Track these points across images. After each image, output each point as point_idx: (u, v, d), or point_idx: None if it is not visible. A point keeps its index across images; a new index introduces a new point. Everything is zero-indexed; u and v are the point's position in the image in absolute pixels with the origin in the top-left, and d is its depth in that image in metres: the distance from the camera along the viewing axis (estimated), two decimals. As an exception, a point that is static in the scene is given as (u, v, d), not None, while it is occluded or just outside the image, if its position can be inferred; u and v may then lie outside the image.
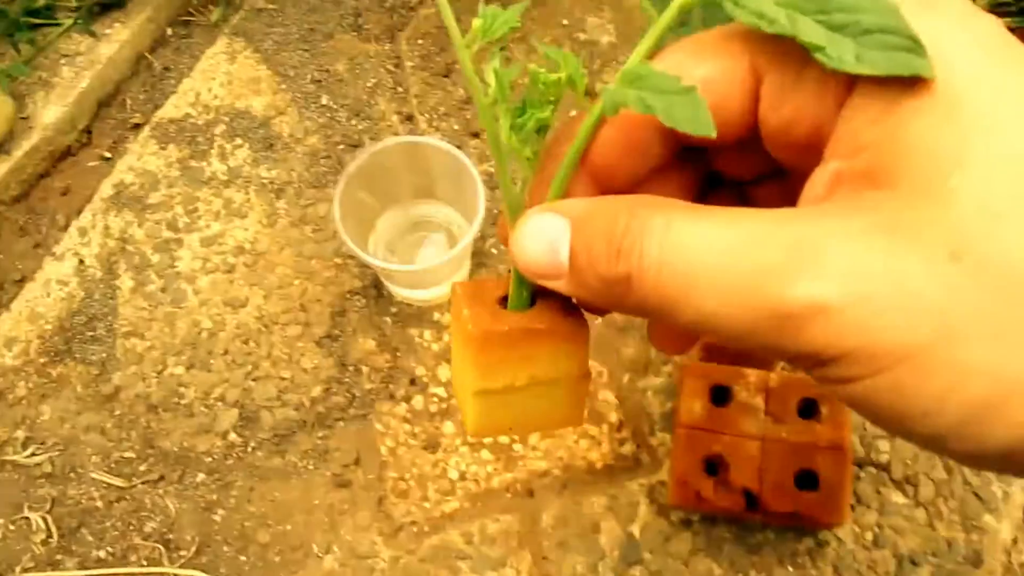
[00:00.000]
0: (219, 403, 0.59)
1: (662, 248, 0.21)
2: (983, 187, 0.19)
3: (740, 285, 0.20)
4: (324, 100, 0.69)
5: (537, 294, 0.28)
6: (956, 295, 0.18)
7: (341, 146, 0.67)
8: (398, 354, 0.61)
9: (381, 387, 0.60)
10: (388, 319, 0.61)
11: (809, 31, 0.21)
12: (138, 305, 0.63)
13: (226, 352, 0.61)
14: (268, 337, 0.61)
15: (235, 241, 0.64)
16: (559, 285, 0.25)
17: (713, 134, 0.21)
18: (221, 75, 0.70)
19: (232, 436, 0.59)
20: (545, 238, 0.25)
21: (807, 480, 0.50)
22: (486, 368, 0.27)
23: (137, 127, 0.70)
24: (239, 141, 0.68)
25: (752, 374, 0.52)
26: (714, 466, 0.51)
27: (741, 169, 0.28)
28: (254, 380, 0.60)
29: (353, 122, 0.68)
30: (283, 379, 0.60)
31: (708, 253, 0.21)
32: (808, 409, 0.51)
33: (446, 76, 0.70)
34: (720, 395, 0.52)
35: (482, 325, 0.28)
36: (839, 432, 0.50)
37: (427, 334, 0.61)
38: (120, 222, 0.65)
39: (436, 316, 0.61)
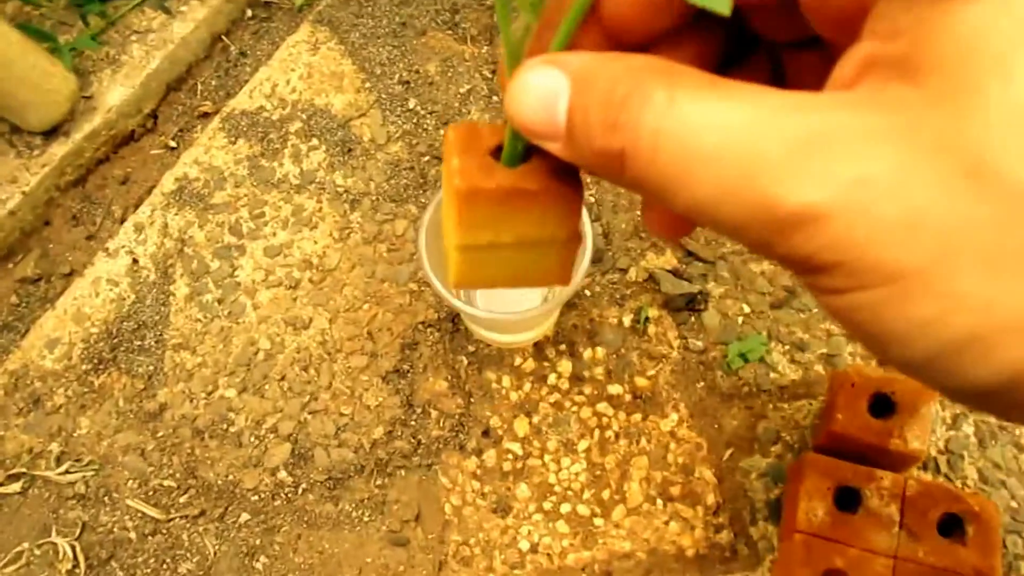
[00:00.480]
0: (271, 435, 0.54)
1: (660, 125, 0.20)
2: (1022, 101, 0.16)
3: (736, 175, 0.19)
4: (411, 104, 0.63)
5: (533, 148, 0.25)
6: (963, 218, 0.17)
7: (426, 157, 0.61)
8: (471, 400, 0.54)
9: (450, 435, 0.53)
10: (464, 358, 0.55)
11: None
12: (192, 315, 0.57)
13: (283, 378, 0.55)
14: (330, 366, 0.55)
15: (302, 254, 0.58)
16: (555, 148, 0.23)
17: (727, 12, 0.19)
18: (301, 66, 0.64)
19: (282, 474, 0.53)
20: (542, 95, 0.23)
21: (945, 612, 0.42)
22: (470, 224, 0.26)
23: (206, 116, 0.64)
24: (315, 142, 0.62)
25: (887, 477, 0.44)
26: (834, 582, 0.44)
27: (777, 31, 0.25)
28: (311, 413, 0.54)
29: (441, 131, 0.62)
30: (343, 415, 0.54)
31: (708, 134, 0.19)
32: (950, 525, 0.44)
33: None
34: (847, 498, 0.45)
35: (470, 180, 0.26)
36: (987, 560, 0.42)
37: (506, 380, 0.54)
38: (180, 221, 0.60)
39: (518, 361, 0.55)
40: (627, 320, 0.56)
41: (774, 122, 0.19)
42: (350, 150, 0.61)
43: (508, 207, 0.27)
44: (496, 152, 0.28)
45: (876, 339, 0.19)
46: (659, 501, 0.51)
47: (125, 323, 0.57)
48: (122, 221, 0.60)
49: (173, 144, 0.63)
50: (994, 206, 0.17)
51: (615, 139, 0.21)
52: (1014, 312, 0.17)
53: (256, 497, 0.52)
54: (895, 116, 0.18)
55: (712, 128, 0.19)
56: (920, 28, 0.18)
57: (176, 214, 0.60)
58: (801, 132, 0.18)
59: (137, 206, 0.61)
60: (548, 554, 0.50)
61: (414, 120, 0.62)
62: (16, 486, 0.53)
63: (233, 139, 0.62)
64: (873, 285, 0.18)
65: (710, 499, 0.51)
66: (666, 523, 0.51)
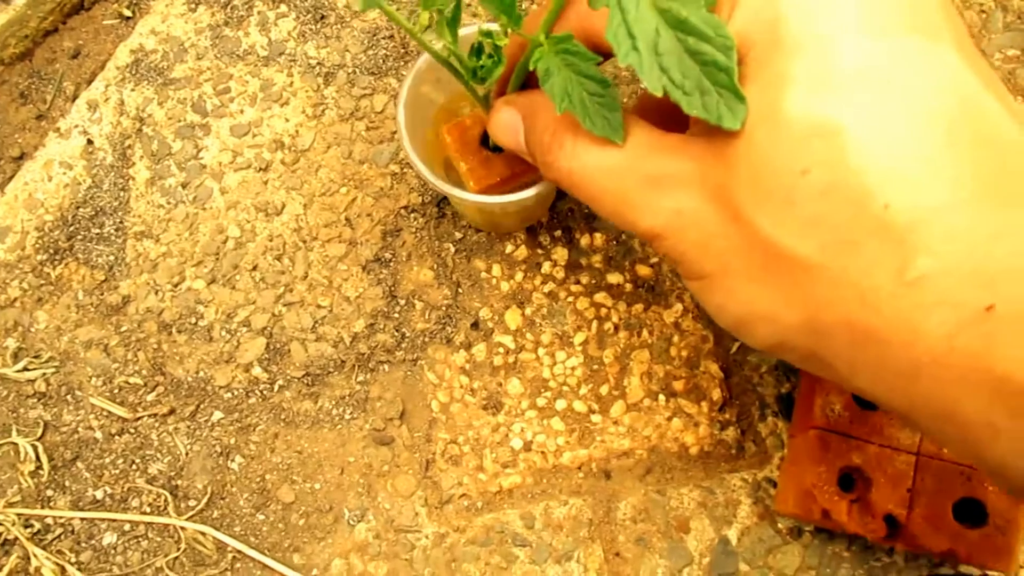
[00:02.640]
0: (243, 329, 0.50)
1: (571, 166, 0.31)
2: (763, 163, 0.25)
3: (616, 205, 0.30)
4: (390, -35, 0.56)
5: None
6: (732, 246, 0.27)
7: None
8: (459, 290, 0.50)
9: (436, 328, 0.49)
10: (450, 246, 0.51)
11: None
12: (154, 201, 0.52)
13: (255, 268, 0.51)
14: (306, 254, 0.51)
15: (273, 133, 0.53)
16: (527, 157, 0.35)
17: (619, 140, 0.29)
18: (267, -77, 0.57)
19: (256, 370, 0.49)
20: (507, 127, 0.35)
21: (970, 511, 0.39)
22: (482, 191, 0.41)
23: (163, -19, 0.57)
24: (284, 8, 0.55)
25: (911, 369, 0.41)
26: (850, 480, 0.41)
27: None
28: (286, 305, 0.50)
29: (423, -4, 0.55)
30: (320, 307, 0.50)
31: (597, 175, 0.30)
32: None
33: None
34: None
35: (479, 180, 0.41)
36: (1018, 455, 0.39)
37: (496, 269, 0.50)
38: (137, 97, 0.54)
39: (509, 248, 0.50)
40: (628, 203, 0.51)
41: (634, 165, 0.29)
42: (323, 17, 0.55)
43: (509, 183, 0.41)
44: (484, 137, 0.42)
45: (710, 313, 0.30)
46: (661, 397, 0.48)
47: (81, 209, 0.52)
48: (74, 98, 0.55)
49: (128, 13, 0.57)
50: (746, 240, 0.26)
51: (550, 173, 0.32)
52: (762, 308, 0.27)
53: (229, 394, 0.49)
54: (697, 164, 0.27)
55: (599, 169, 0.30)
56: None
57: (133, 90, 0.54)
58: (648, 173, 0.28)
59: (90, 81, 0.55)
60: (542, 452, 0.47)
61: (394, -17, 0.56)
62: (-29, 384, 0.49)
63: (193, 6, 0.56)
64: (692, 279, 0.29)
65: (716, 394, 0.47)
66: (668, 419, 0.47)
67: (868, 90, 0.24)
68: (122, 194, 0.52)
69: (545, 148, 0.32)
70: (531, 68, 0.31)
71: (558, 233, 0.50)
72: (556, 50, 0.30)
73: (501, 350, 0.49)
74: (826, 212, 0.24)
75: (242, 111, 0.53)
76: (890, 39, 0.24)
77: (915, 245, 0.23)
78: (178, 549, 0.47)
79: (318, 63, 0.54)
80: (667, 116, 0.30)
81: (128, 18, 0.57)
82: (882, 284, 0.23)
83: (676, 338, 0.48)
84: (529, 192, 0.39)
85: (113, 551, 0.47)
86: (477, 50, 0.35)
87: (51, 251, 0.51)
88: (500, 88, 0.38)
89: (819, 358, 0.26)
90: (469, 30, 0.39)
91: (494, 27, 0.35)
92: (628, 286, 0.49)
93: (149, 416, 0.49)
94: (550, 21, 0.32)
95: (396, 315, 0.50)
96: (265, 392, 0.49)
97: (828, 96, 0.24)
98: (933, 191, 0.23)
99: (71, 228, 0.52)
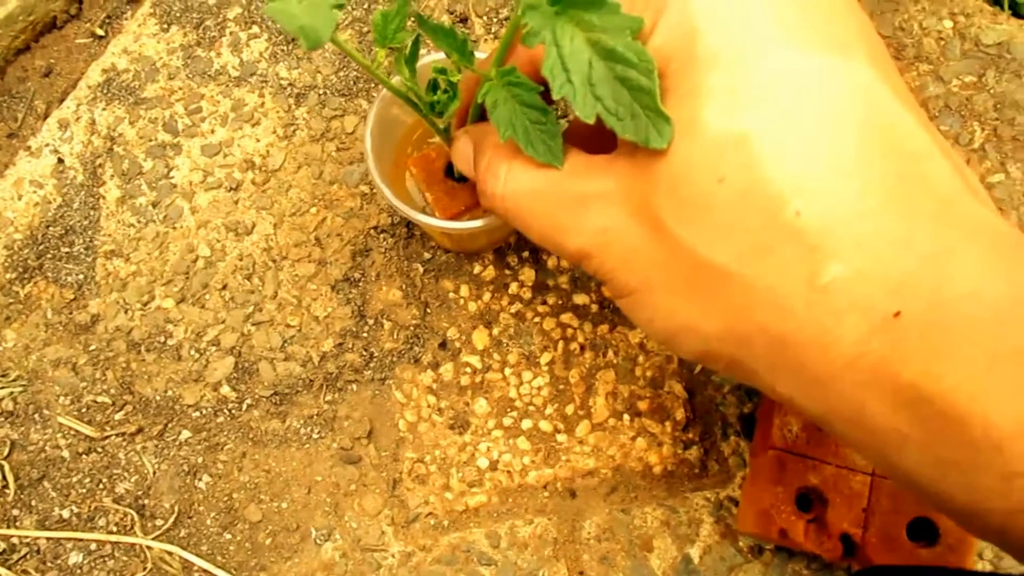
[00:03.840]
0: (212, 348, 0.50)
1: (504, 192, 0.31)
2: (682, 173, 0.26)
3: (545, 228, 0.31)
4: (362, -13, 0.57)
5: None
6: (654, 260, 0.27)
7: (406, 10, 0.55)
8: (427, 310, 0.50)
9: (404, 348, 0.50)
10: (419, 266, 0.51)
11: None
12: (124, 220, 0.52)
13: (224, 287, 0.51)
14: (275, 274, 0.51)
15: (243, 153, 0.53)
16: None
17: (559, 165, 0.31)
18: (240, -55, 0.58)
19: (225, 389, 0.49)
20: (464, 156, 0.36)
21: (923, 530, 0.40)
22: (448, 220, 0.42)
23: (136, 0, 0.58)
24: (256, 30, 0.56)
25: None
26: (807, 500, 0.41)
27: None
28: (255, 325, 0.50)
29: (395, 18, 0.56)
30: (289, 327, 0.50)
31: (525, 199, 0.31)
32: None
33: (512, -30, 0.57)
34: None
35: (445, 209, 0.42)
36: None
37: (464, 289, 0.51)
38: (109, 117, 0.54)
39: (477, 269, 0.51)
40: (595, 225, 0.52)
41: (562, 187, 0.30)
42: (295, 39, 0.55)
43: (474, 211, 0.42)
44: (449, 168, 0.42)
45: (640, 327, 0.31)
46: (626, 416, 0.48)
47: (52, 228, 0.52)
48: (45, 117, 0.55)
49: (100, 32, 0.57)
50: (667, 253, 0.27)
51: (485, 201, 0.33)
52: (685, 319, 0.27)
53: (197, 413, 0.49)
54: (621, 182, 0.28)
55: (528, 194, 0.31)
56: None
57: (104, 109, 0.55)
58: (575, 194, 0.29)
59: (62, 100, 0.55)
60: (508, 471, 0.48)
61: (365, 4, 0.56)
62: (-63, 403, 0.49)
63: (166, 26, 0.56)
64: (620, 296, 0.30)
65: (679, 414, 0.48)
66: (633, 439, 0.48)
67: (781, 101, 0.24)
68: (92, 213, 0.52)
69: (482, 177, 0.33)
70: (480, 100, 0.32)
71: (526, 254, 0.51)
72: (503, 83, 0.32)
73: (468, 370, 0.49)
74: (741, 219, 0.24)
75: (213, 131, 0.54)
76: (803, 52, 0.25)
77: (826, 251, 0.23)
78: (144, 569, 0.47)
79: (289, 84, 0.55)
80: (595, 141, 0.31)
81: (101, 37, 0.57)
82: (795, 290, 0.24)
83: (641, 358, 0.49)
84: (489, 218, 0.40)
85: (79, 571, 0.47)
86: (433, 85, 0.36)
87: (20, 269, 0.52)
88: (460, 119, 0.39)
89: (742, 366, 0.27)
90: (429, 60, 0.40)
91: (449, 62, 0.35)
92: (594, 307, 0.50)
93: (117, 435, 0.49)
94: (500, 55, 0.33)
95: (365, 334, 0.50)
96: (233, 411, 0.49)
97: (742, 107, 0.25)
98: (843, 199, 0.23)
99: (41, 247, 0.52)
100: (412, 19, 0.49)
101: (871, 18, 0.44)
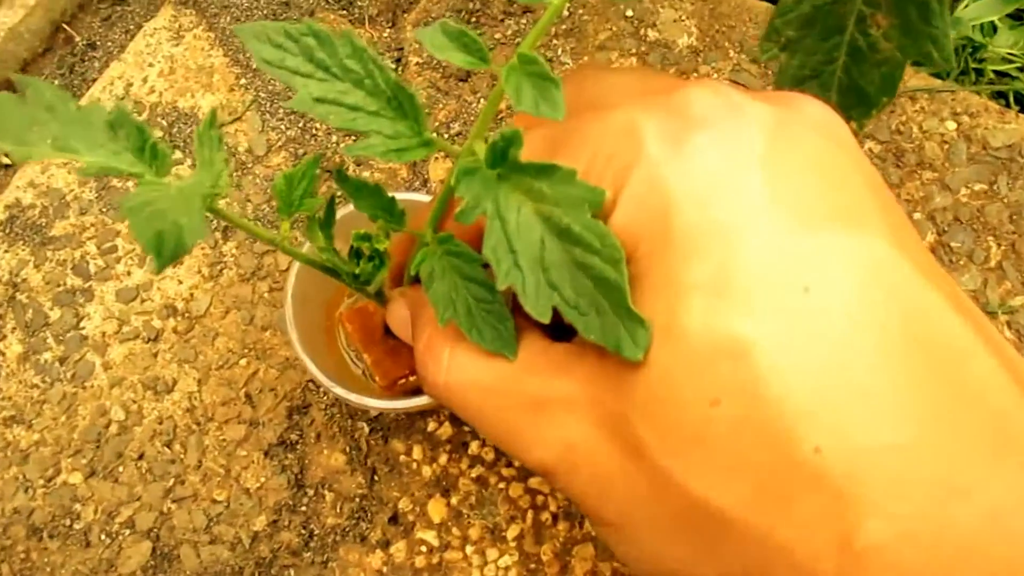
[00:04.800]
0: (126, 531, 0.43)
1: (447, 380, 0.26)
2: (664, 389, 0.20)
3: (499, 433, 0.25)
4: (297, 103, 0.51)
5: None
6: (634, 492, 0.22)
7: (315, 171, 0.49)
8: (375, 477, 0.44)
9: (350, 524, 0.43)
10: (365, 425, 0.44)
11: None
12: (27, 380, 0.46)
13: (141, 457, 0.44)
14: (200, 439, 0.44)
15: (164, 297, 0.47)
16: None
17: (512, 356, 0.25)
18: (162, 60, 0.52)
19: (140, 582, 0.42)
20: (401, 320, 0.32)
21: None
22: (394, 389, 0.37)
23: (47, 125, 0.52)
24: (179, 155, 0.50)
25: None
26: None
27: None
28: (176, 501, 0.43)
29: (334, 138, 0.50)
30: (216, 502, 0.43)
31: (474, 393, 0.25)
32: None
33: (463, 80, 0.51)
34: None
35: (386, 374, 0.37)
36: None
37: (417, 451, 0.44)
38: (12, 259, 0.48)
39: (432, 427, 0.44)
40: (565, 368, 0.45)
41: (515, 385, 0.24)
42: (222, 164, 0.50)
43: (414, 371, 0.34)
44: (386, 326, 0.35)
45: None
46: (609, 600, 0.41)
47: (-58, 394, 0.46)
48: (-59, 261, 0.49)
49: (6, 161, 0.51)
50: (650, 485, 0.21)
51: (426, 388, 0.27)
52: (673, 565, 0.22)
53: (108, 613, 0.42)
54: (588, 387, 0.23)
55: (476, 389, 0.25)
56: None
57: (7, 251, 0.48)
58: (532, 395, 0.24)
59: (-41, 242, 0.49)
60: (473, 673, 0.41)
61: (300, 124, 0.51)
62: None
63: (78, 153, 0.50)
64: (597, 526, 0.24)
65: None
66: (616, 629, 0.41)
67: (780, 296, 0.19)
68: (-10, 373, 0.46)
69: (420, 360, 0.27)
70: (413, 272, 0.26)
71: (487, 406, 0.45)
72: (441, 251, 0.26)
73: (424, 548, 0.42)
74: (744, 455, 0.19)
75: (129, 273, 0.48)
76: (806, 228, 0.20)
77: (859, 504, 0.18)
78: None
79: (215, 216, 0.48)
80: (555, 314, 0.26)
81: (7, 166, 0.51)
82: (823, 552, 0.18)
83: (624, 527, 0.42)
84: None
85: None
86: (356, 253, 0.30)
87: (-95, 444, 0.45)
88: (395, 277, 0.33)
89: None
90: (349, 210, 0.34)
91: (372, 226, 0.29)
92: (567, 466, 0.43)
93: (11, 644, 0.41)
94: (437, 215, 0.27)
95: (303, 508, 0.43)
96: (150, 608, 0.42)
97: (732, 305, 0.19)
98: (872, 427, 0.18)
99: (-71, 415, 0.45)
100: (328, 173, 0.43)
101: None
